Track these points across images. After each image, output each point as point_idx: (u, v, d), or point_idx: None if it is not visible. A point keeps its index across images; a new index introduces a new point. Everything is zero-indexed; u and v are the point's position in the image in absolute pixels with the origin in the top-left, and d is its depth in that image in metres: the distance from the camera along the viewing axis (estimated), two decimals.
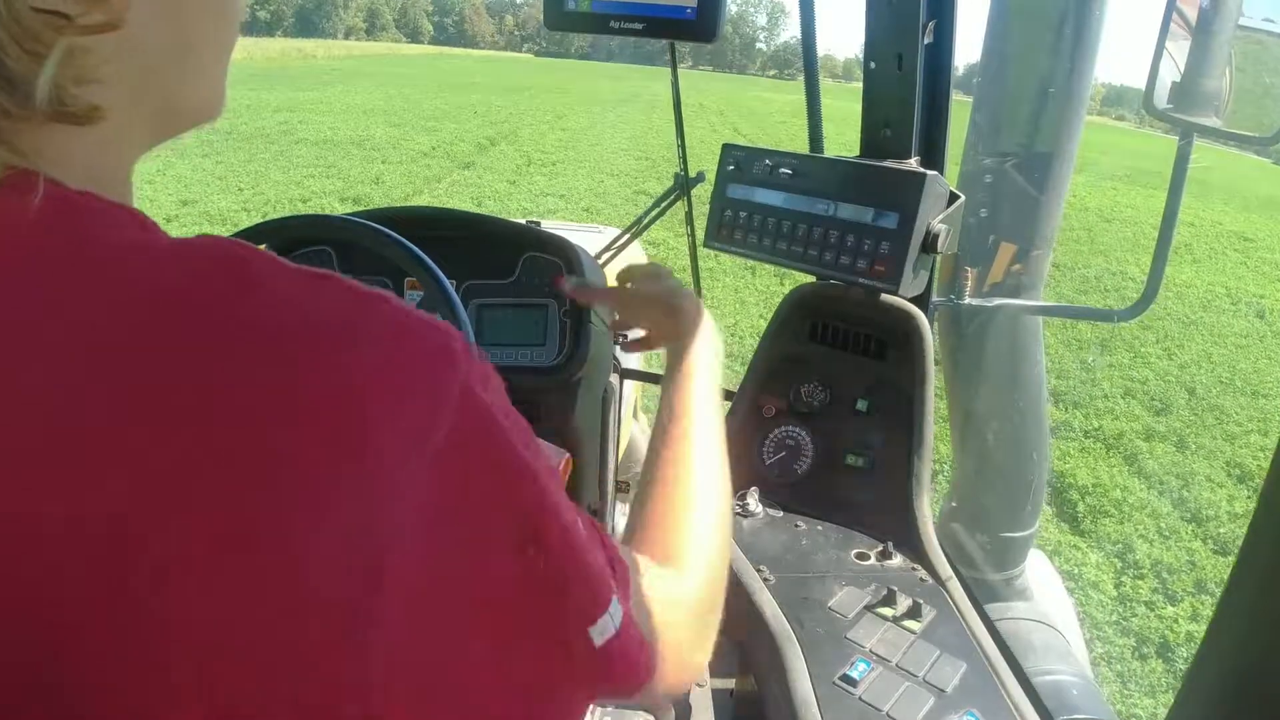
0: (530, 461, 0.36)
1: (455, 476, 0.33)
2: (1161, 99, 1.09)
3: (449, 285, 1.01)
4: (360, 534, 0.30)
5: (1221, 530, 3.36)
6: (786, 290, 1.23)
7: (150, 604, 0.28)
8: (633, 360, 1.95)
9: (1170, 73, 1.08)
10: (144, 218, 0.35)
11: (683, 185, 1.64)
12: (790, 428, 1.15)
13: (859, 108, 1.13)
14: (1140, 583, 3.00)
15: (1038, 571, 1.77)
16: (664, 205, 1.68)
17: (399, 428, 0.31)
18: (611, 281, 1.49)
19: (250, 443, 0.29)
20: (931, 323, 1.11)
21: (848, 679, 0.82)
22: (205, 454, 0.29)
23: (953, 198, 1.03)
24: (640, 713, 1.00)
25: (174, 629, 0.28)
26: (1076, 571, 3.03)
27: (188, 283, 0.31)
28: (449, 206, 1.80)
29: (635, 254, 2.00)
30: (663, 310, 0.80)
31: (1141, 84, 1.13)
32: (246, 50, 36.84)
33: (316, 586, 0.29)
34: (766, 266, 5.88)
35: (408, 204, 7.15)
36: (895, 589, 0.92)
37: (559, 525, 0.37)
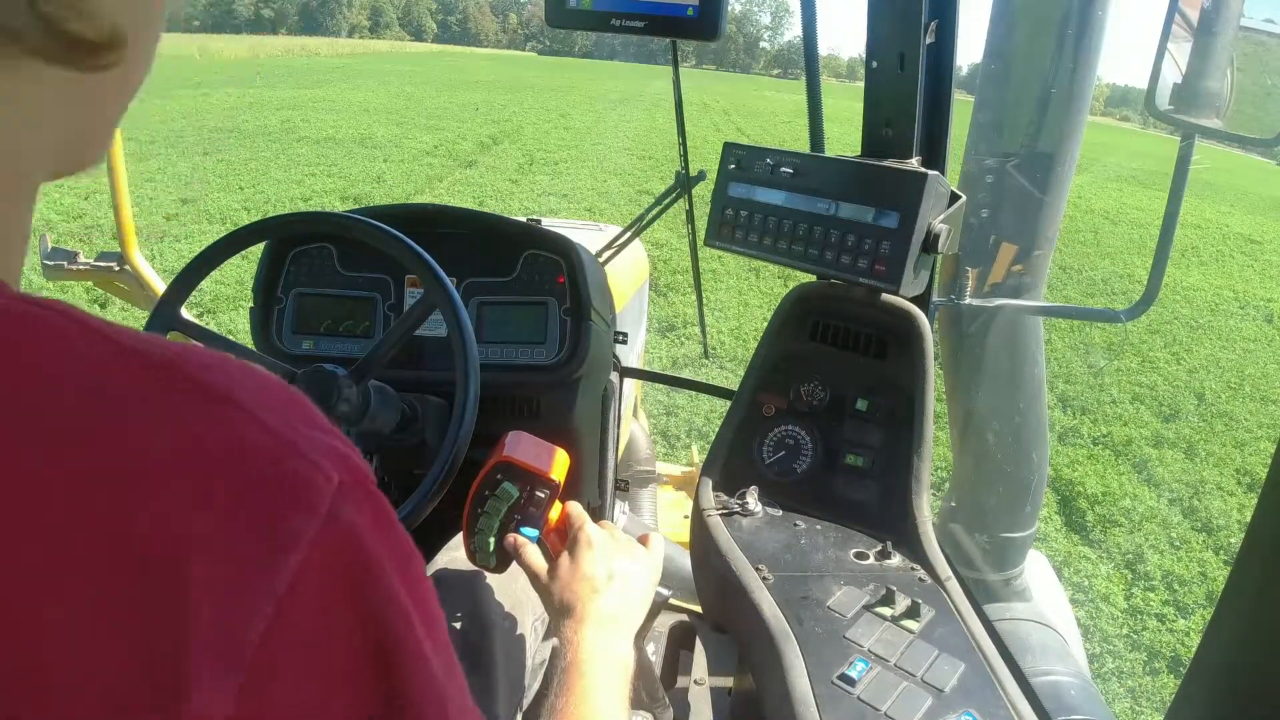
0: (413, 621, 0.30)
1: (300, 636, 0.27)
2: (1163, 100, 1.09)
3: (449, 283, 1.01)
4: (160, 686, 0.24)
5: (1233, 540, 3.33)
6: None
7: None
8: (633, 359, 1.95)
9: (1172, 74, 1.08)
10: None
11: (684, 183, 1.65)
12: (790, 427, 1.15)
13: (861, 107, 1.13)
14: (1151, 595, 2.98)
15: (1036, 572, 1.77)
16: (665, 203, 1.68)
17: (222, 578, 0.25)
18: (611, 281, 1.50)
19: (31, 573, 0.24)
20: (932, 323, 1.11)
21: (846, 678, 0.82)
22: None
23: (954, 198, 1.03)
24: (640, 712, 1.00)
25: None
26: (1087, 583, 3.00)
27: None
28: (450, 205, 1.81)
29: (636, 252, 2.00)
30: (589, 588, 0.80)
31: (1144, 84, 1.13)
32: (250, 48, 36.87)
33: None
34: (770, 268, 5.89)
35: (409, 202, 7.17)
36: (894, 589, 0.92)
37: (442, 710, 0.31)
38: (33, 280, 3.45)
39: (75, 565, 0.24)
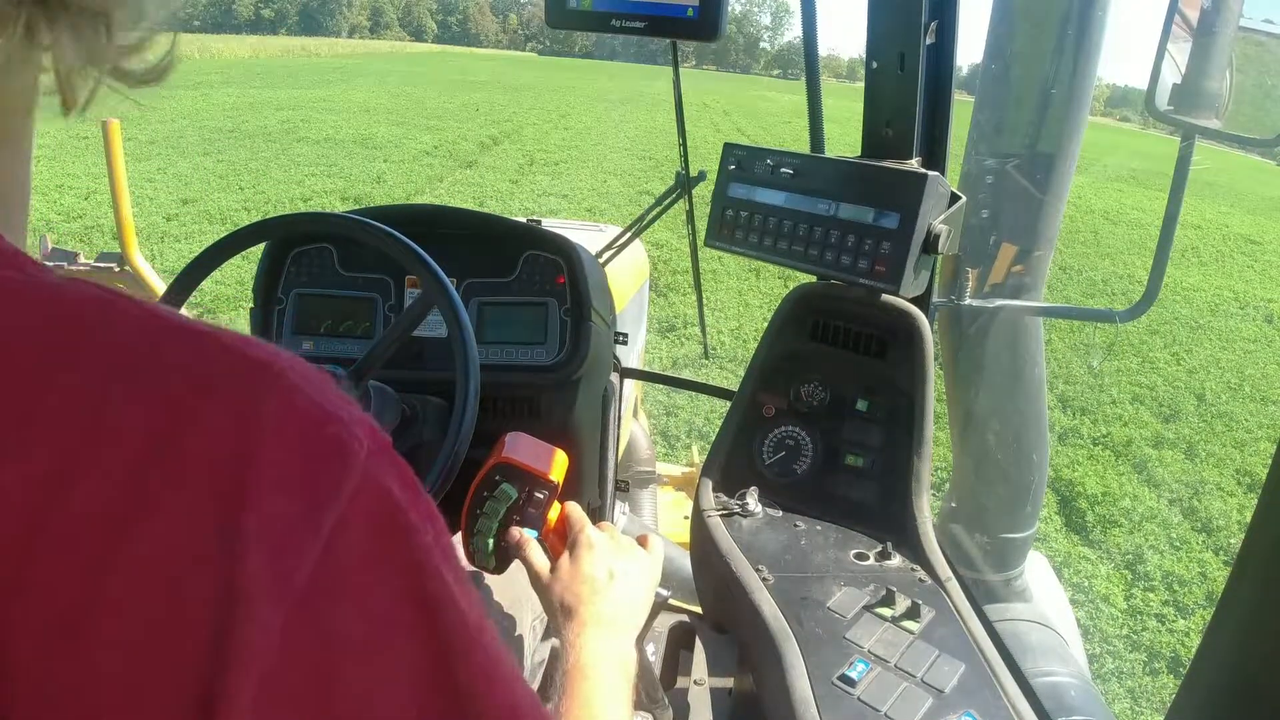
0: (447, 578, 0.32)
1: (343, 579, 0.29)
2: (1163, 100, 1.09)
3: (449, 283, 1.01)
4: (218, 628, 0.27)
5: (1233, 541, 3.33)
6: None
7: None
8: (633, 359, 1.96)
9: (1172, 74, 1.08)
10: (17, 253, 0.32)
11: (684, 184, 1.65)
12: (790, 427, 1.15)
13: (861, 108, 1.13)
14: (1151, 595, 2.97)
15: (1037, 573, 1.77)
16: (665, 204, 1.68)
17: (274, 520, 0.28)
18: (611, 281, 1.50)
19: (106, 509, 0.26)
20: (932, 323, 1.11)
21: (846, 679, 0.82)
22: (57, 515, 0.26)
23: (954, 198, 1.03)
24: (640, 713, 1.00)
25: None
26: (1087, 584, 2.99)
27: (65, 329, 0.29)
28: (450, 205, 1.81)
29: (636, 252, 2.00)
30: (590, 589, 0.79)
31: (1145, 85, 1.13)
32: (250, 48, 36.88)
33: (160, 677, 0.26)
34: (770, 268, 5.89)
35: (409, 202, 7.16)
36: (894, 589, 0.92)
37: (482, 659, 0.33)
38: None
39: (141, 505, 0.27)
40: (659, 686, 0.98)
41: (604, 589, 0.79)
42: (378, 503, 0.31)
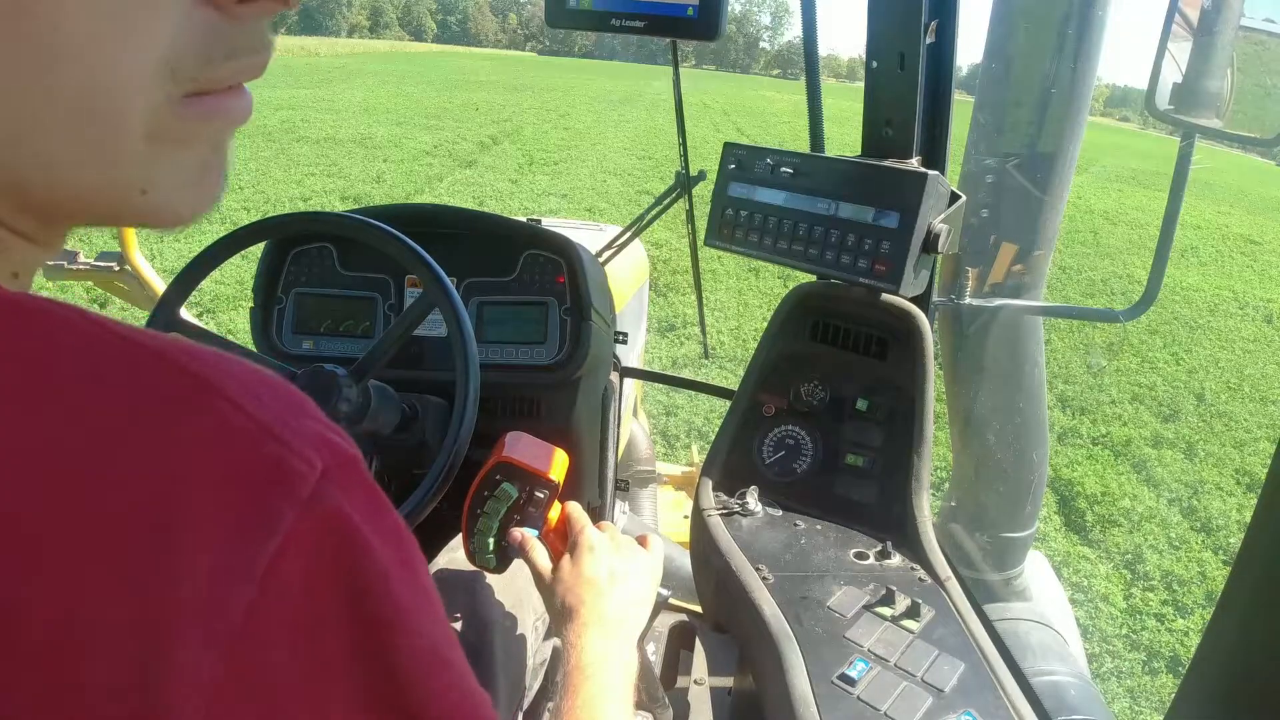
0: (405, 605, 0.30)
1: (282, 614, 0.27)
2: (1163, 100, 1.09)
3: (449, 283, 1.01)
4: (143, 668, 0.25)
5: (1232, 540, 3.32)
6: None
7: None
8: (633, 359, 1.96)
9: (1172, 74, 1.08)
10: None
11: (684, 183, 1.65)
12: (790, 427, 1.15)
13: (861, 108, 1.13)
14: (1150, 595, 2.98)
15: (1036, 572, 1.77)
16: (665, 203, 1.68)
17: (201, 566, 0.25)
18: (611, 281, 1.50)
19: (25, 534, 0.24)
20: (932, 323, 1.11)
21: (846, 678, 0.82)
22: None
23: (954, 198, 1.03)
24: (640, 712, 1.00)
25: None
26: (1086, 583, 3.00)
27: None
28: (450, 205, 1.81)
29: (636, 252, 2.00)
30: (594, 592, 0.80)
31: (1145, 85, 1.13)
32: None
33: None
34: (770, 268, 5.89)
35: (409, 202, 7.15)
36: (894, 588, 0.92)
37: (443, 687, 0.31)
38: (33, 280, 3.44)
39: (64, 539, 0.25)
40: (659, 686, 0.98)
41: (605, 590, 0.79)
42: (328, 528, 0.28)
